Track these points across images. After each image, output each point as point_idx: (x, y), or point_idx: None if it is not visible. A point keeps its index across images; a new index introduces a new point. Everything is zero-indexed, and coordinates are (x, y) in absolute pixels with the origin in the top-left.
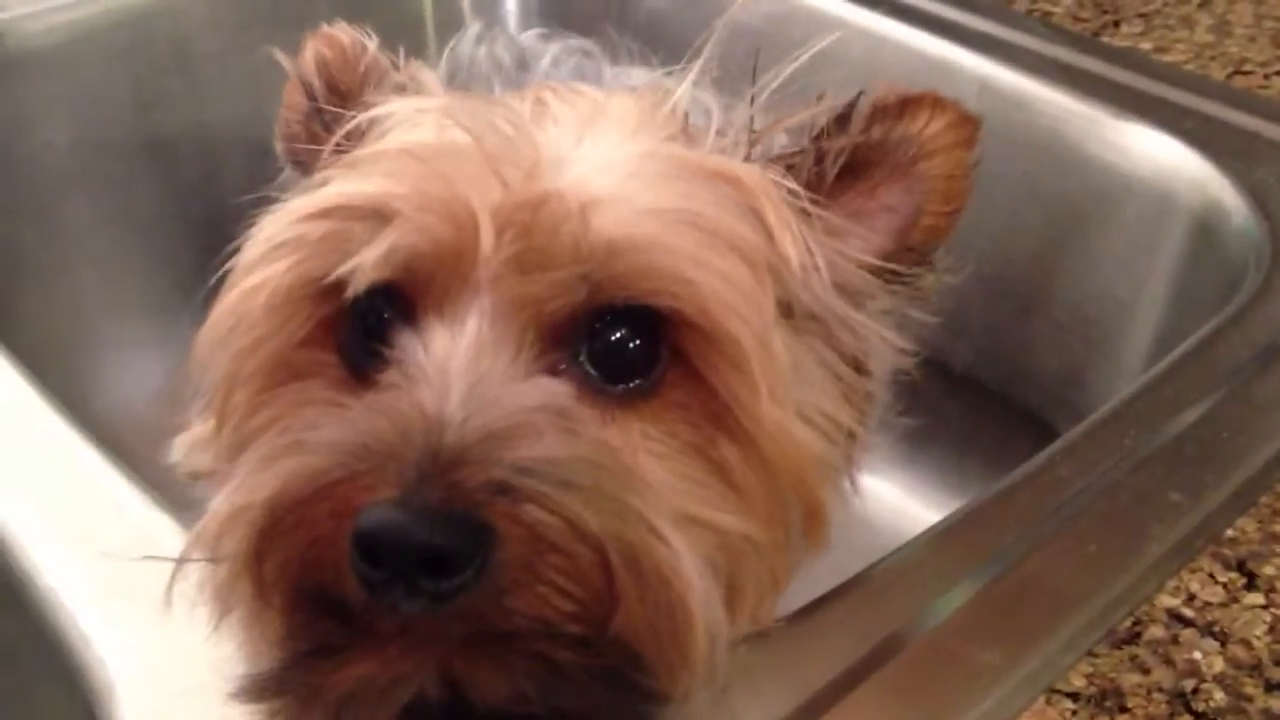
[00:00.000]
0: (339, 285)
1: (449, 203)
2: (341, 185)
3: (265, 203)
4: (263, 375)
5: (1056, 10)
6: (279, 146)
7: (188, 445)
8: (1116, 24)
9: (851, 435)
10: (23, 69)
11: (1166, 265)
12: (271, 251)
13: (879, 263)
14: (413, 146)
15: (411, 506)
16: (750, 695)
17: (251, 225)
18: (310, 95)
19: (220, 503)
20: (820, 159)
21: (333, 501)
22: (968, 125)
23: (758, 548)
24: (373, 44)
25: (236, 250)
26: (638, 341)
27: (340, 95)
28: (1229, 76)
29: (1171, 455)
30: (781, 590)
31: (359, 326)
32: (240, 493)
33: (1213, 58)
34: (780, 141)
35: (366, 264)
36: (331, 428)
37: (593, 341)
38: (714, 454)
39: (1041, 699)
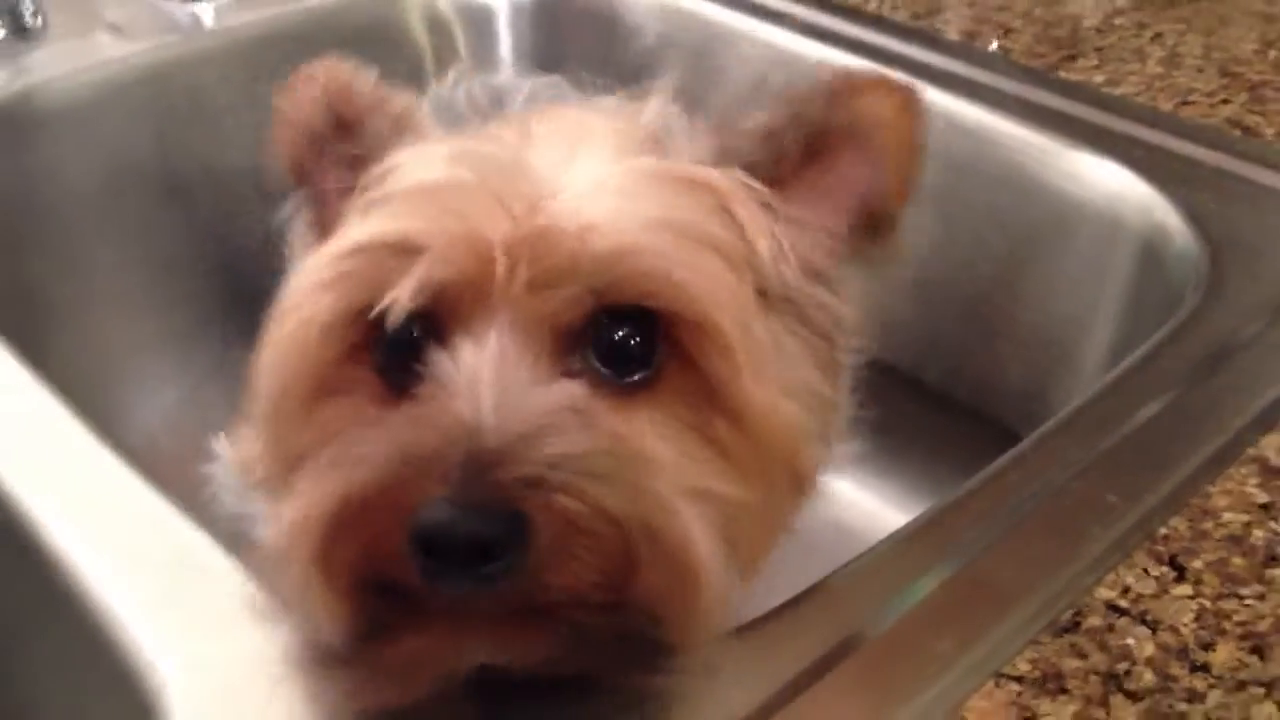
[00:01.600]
0: (372, 314)
1: (466, 237)
2: (372, 224)
3: (275, 246)
4: (308, 395)
5: (1016, 47)
6: (279, 165)
7: (241, 464)
8: (1073, 58)
9: (828, 402)
10: (51, 125)
11: (1117, 285)
12: (315, 287)
13: (844, 242)
14: (428, 186)
15: (459, 503)
16: (722, 689)
17: (263, 266)
18: (314, 121)
19: (286, 513)
20: (779, 156)
21: (388, 505)
22: (908, 95)
23: (751, 510)
24: (372, 76)
25: (252, 289)
26: (638, 339)
27: (343, 125)
28: (1177, 107)
29: (1112, 462)
30: (773, 546)
31: (393, 348)
32: (303, 503)
33: (1162, 89)
34: (741, 144)
35: (403, 297)
36: (380, 440)
37: (599, 343)
38: (710, 432)
39: (990, 682)
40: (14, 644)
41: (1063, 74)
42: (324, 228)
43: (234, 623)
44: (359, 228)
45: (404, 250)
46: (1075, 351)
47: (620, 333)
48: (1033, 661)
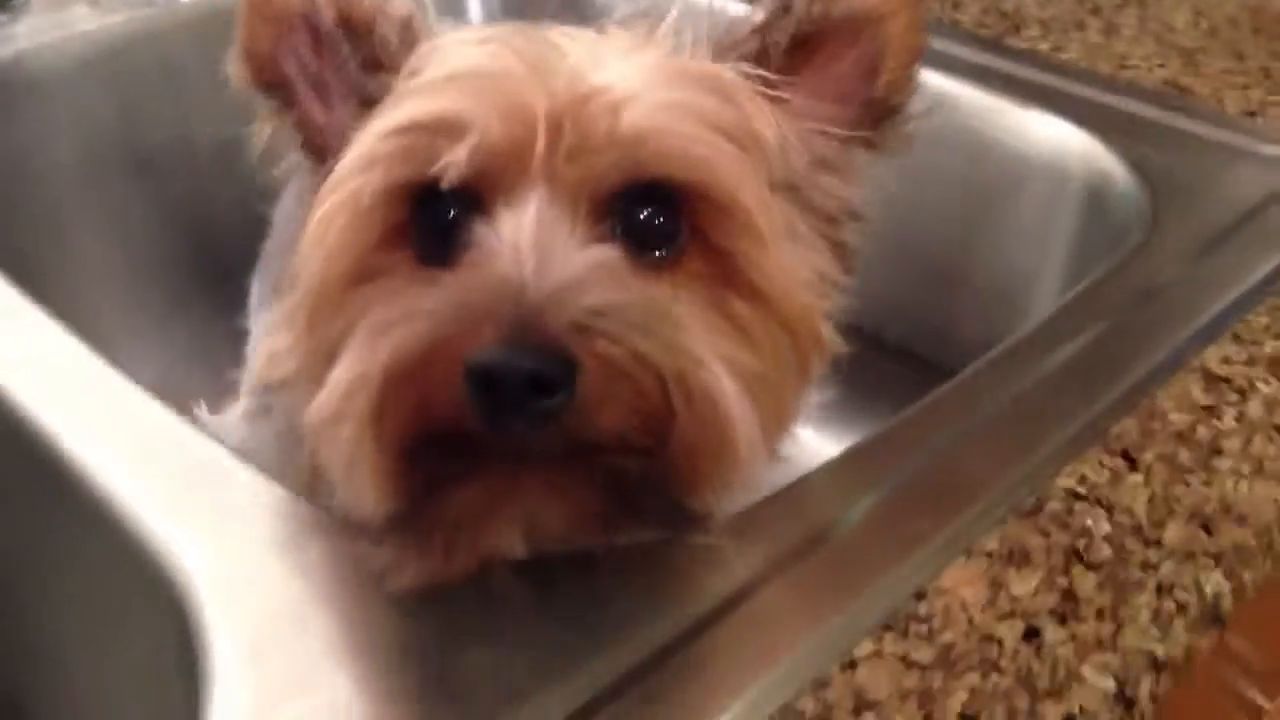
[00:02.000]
0: (413, 191)
1: (509, 110)
2: (416, 104)
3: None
4: (346, 278)
5: (964, 19)
6: (240, 71)
7: (267, 358)
8: (1017, 29)
9: (836, 284)
10: (33, 96)
11: (1064, 234)
12: (360, 165)
13: (847, 132)
14: (471, 69)
15: (514, 344)
16: (713, 567)
17: (238, 238)
18: (316, 23)
19: (339, 375)
20: (777, 51)
21: (443, 356)
22: None
23: (769, 383)
24: None
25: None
26: (663, 218)
27: (352, 30)
28: (1116, 70)
29: (1067, 372)
30: (790, 421)
31: (432, 227)
32: (357, 364)
33: (1102, 56)
34: (742, 42)
35: (460, 160)
36: (431, 299)
37: (628, 219)
38: (728, 309)
39: (963, 557)
40: (43, 559)
41: (1009, 43)
42: (315, 131)
43: (256, 518)
44: (402, 109)
45: (450, 126)
46: (1028, 301)
47: (647, 211)
48: (1000, 539)
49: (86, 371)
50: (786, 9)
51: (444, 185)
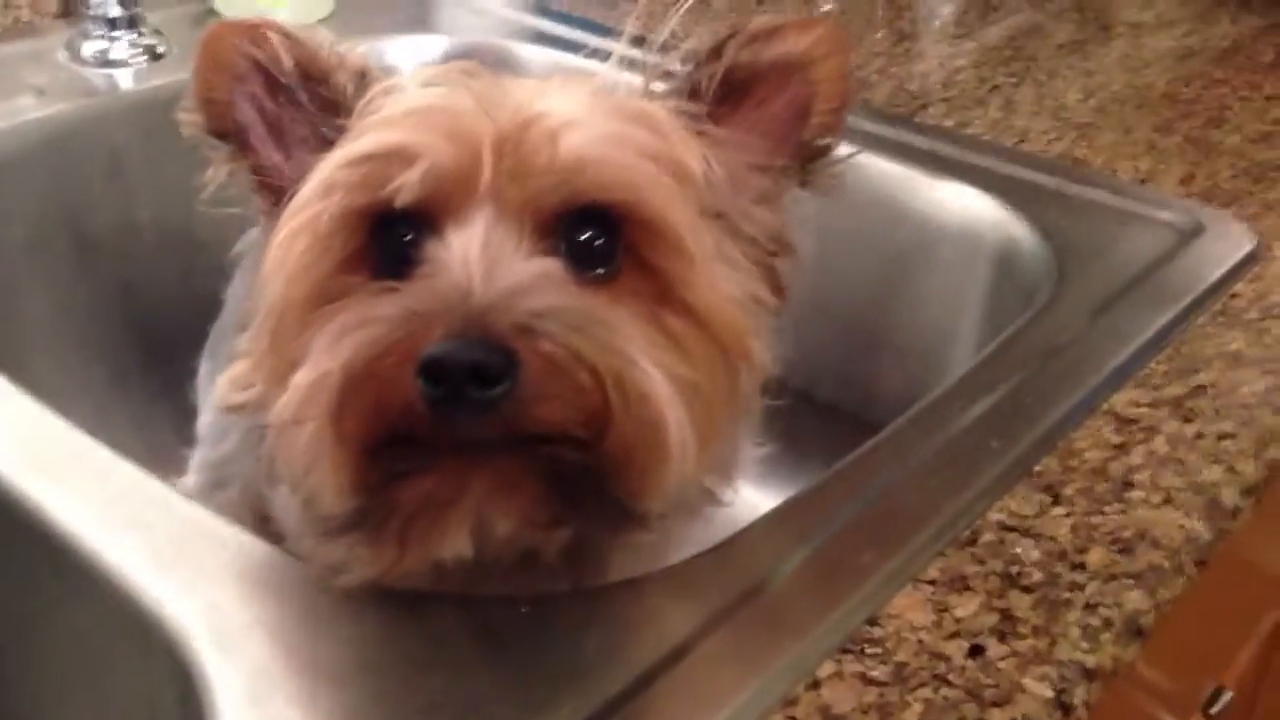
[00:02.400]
0: (370, 216)
1: (457, 138)
2: (372, 137)
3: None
4: (307, 301)
5: (876, 98)
6: (195, 119)
7: (228, 383)
8: (924, 107)
9: (764, 304)
10: None
11: (978, 294)
12: (319, 192)
13: (776, 162)
14: (424, 105)
15: (460, 338)
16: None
17: (178, 317)
18: (274, 73)
19: (300, 379)
20: (696, 87)
21: (397, 354)
22: (836, 37)
23: (700, 391)
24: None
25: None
26: (601, 239)
27: (309, 77)
28: (1017, 144)
29: (991, 418)
30: (719, 433)
31: (387, 246)
32: (316, 367)
33: (1004, 130)
34: (675, 84)
35: (412, 183)
36: (385, 307)
37: (568, 239)
38: (662, 324)
39: (909, 586)
40: (33, 626)
41: (918, 119)
42: (271, 174)
43: (244, 572)
44: (360, 141)
45: (403, 155)
46: (946, 356)
47: (586, 233)
48: (941, 569)
49: (62, 439)
50: (718, 53)
51: (398, 205)
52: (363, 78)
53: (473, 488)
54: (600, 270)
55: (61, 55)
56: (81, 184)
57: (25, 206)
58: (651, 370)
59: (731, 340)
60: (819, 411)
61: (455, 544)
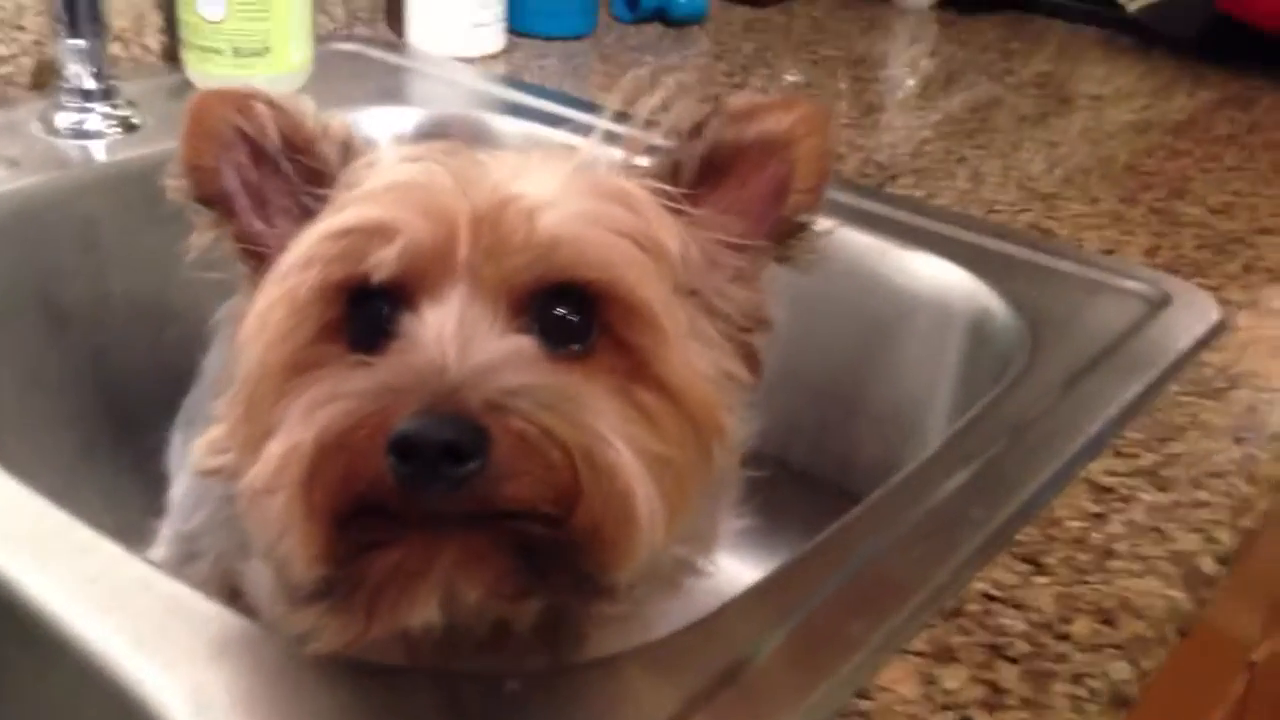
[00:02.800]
0: (347, 289)
1: (435, 215)
2: (352, 211)
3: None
4: (283, 369)
5: (845, 169)
6: (181, 185)
7: (204, 448)
8: (894, 178)
9: (736, 380)
10: None
11: (951, 362)
12: (299, 264)
13: (753, 240)
14: (403, 181)
15: (430, 415)
16: (656, 680)
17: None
18: (258, 143)
19: (272, 449)
20: (676, 167)
21: (368, 427)
22: (817, 116)
23: (672, 466)
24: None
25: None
26: (575, 316)
27: (293, 147)
28: (986, 214)
29: (972, 486)
30: (690, 505)
31: (364, 321)
32: (289, 437)
33: (972, 201)
34: (654, 162)
35: (390, 259)
36: (358, 380)
37: (543, 315)
38: (635, 399)
39: (896, 657)
40: (6, 701)
41: (888, 190)
42: (253, 241)
43: (226, 649)
44: (340, 216)
45: (381, 230)
46: (919, 424)
47: (561, 310)
48: (928, 640)
49: (39, 515)
50: (698, 132)
51: (375, 281)
52: (346, 148)
53: (440, 560)
54: (575, 346)
55: (35, 127)
56: (54, 255)
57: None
58: (621, 445)
59: (704, 415)
60: (795, 479)
61: (422, 615)
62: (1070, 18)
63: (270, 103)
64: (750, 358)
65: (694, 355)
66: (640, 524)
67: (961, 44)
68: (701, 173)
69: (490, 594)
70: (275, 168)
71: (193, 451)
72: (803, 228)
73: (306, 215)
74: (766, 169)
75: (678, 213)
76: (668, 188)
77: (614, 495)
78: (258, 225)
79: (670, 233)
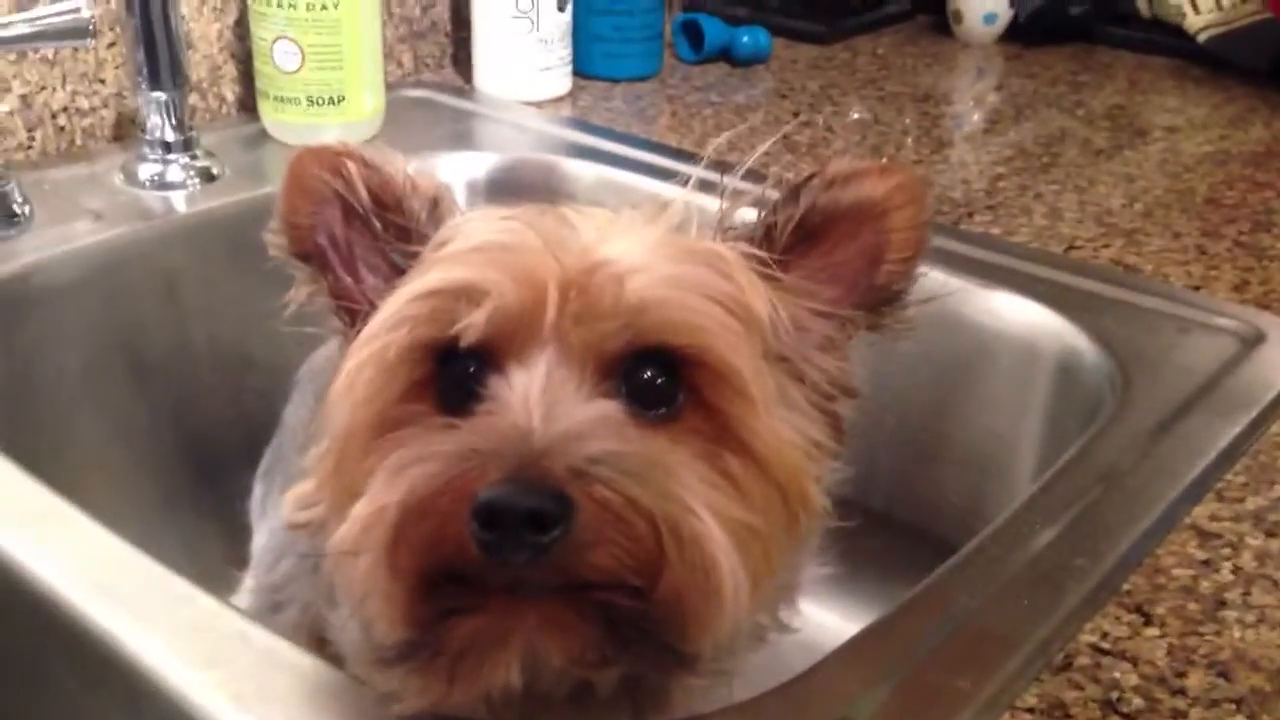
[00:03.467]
0: (436, 350)
1: (524, 279)
2: (441, 272)
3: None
4: (371, 428)
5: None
6: (280, 241)
7: (293, 501)
8: (970, 215)
9: (825, 449)
10: (39, 307)
11: (1038, 403)
12: (388, 324)
13: (843, 309)
14: (492, 242)
15: (515, 482)
16: None
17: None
18: (349, 200)
19: (359, 510)
20: (770, 231)
21: (453, 493)
22: (914, 185)
23: (758, 535)
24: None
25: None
26: (662, 380)
27: (382, 204)
28: (1065, 251)
29: (1074, 532)
30: (775, 574)
31: (451, 379)
32: (375, 500)
33: (1051, 237)
34: (746, 225)
35: (478, 323)
36: (444, 442)
37: (630, 380)
38: (721, 465)
39: (1007, 715)
40: None
41: (963, 228)
42: (345, 296)
43: (324, 706)
44: (429, 277)
45: (470, 292)
46: (1006, 467)
47: (648, 373)
48: (1038, 695)
49: (136, 568)
50: (795, 196)
51: (463, 344)
52: (435, 204)
53: (522, 628)
54: (661, 410)
55: (117, 178)
56: (137, 306)
57: (82, 330)
58: (706, 515)
59: (790, 484)
60: (875, 524)
61: (503, 680)
62: (1138, 48)
63: (362, 160)
64: (835, 426)
65: (782, 423)
66: (725, 596)
67: (1029, 77)
68: (795, 237)
69: (572, 662)
70: (364, 225)
71: (282, 504)
72: (896, 297)
73: (395, 272)
74: (860, 237)
75: (769, 278)
76: (759, 252)
77: (699, 567)
78: (348, 281)
79: (761, 298)
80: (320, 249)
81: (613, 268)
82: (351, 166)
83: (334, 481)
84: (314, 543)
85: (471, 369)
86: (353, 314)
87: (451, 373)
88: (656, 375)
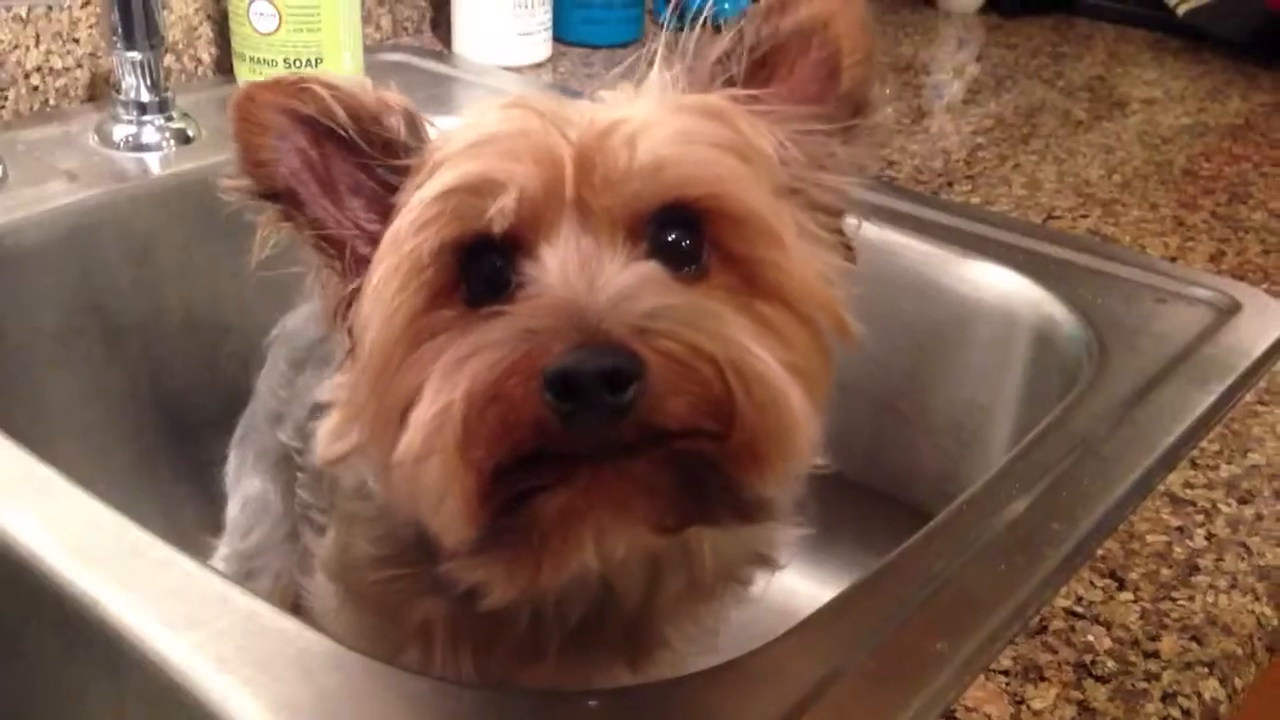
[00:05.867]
0: (461, 248)
1: (541, 159)
2: (455, 170)
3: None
4: (406, 340)
5: (899, 176)
6: (242, 184)
7: (326, 435)
8: (949, 185)
9: (843, 272)
10: (13, 266)
11: (1015, 371)
12: (411, 230)
13: (830, 126)
14: (499, 132)
15: (585, 349)
16: (747, 695)
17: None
18: (319, 125)
19: (420, 414)
20: (731, 77)
21: (520, 374)
22: None
23: (802, 372)
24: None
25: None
26: (688, 240)
27: (361, 122)
28: (1044, 220)
29: (1049, 500)
30: (822, 412)
31: (480, 275)
32: (436, 400)
33: (1029, 207)
34: (714, 69)
35: (508, 208)
36: (495, 332)
37: (656, 241)
38: (756, 313)
39: (982, 676)
40: None
41: (943, 197)
42: (327, 225)
43: (307, 668)
44: (443, 176)
45: (490, 185)
46: (982, 435)
47: (672, 234)
48: (1013, 659)
49: (112, 531)
50: (740, 35)
51: (496, 231)
52: (410, 117)
53: (605, 494)
54: (690, 268)
55: (91, 139)
56: (111, 269)
57: (56, 292)
58: (764, 355)
59: (823, 317)
60: (850, 490)
61: (591, 554)
62: (1118, 20)
63: (328, 84)
64: (846, 245)
65: (807, 257)
66: (796, 429)
67: (1009, 48)
68: (753, 72)
69: (654, 525)
70: (339, 146)
71: (317, 442)
72: (864, 104)
73: (383, 187)
74: (811, 51)
75: (758, 115)
76: (746, 91)
77: (768, 403)
78: (330, 209)
79: (764, 137)
80: (288, 184)
81: (621, 133)
82: (318, 89)
83: (373, 403)
84: (282, 506)
85: (498, 262)
86: (337, 243)
87: (480, 268)
88: (681, 235)
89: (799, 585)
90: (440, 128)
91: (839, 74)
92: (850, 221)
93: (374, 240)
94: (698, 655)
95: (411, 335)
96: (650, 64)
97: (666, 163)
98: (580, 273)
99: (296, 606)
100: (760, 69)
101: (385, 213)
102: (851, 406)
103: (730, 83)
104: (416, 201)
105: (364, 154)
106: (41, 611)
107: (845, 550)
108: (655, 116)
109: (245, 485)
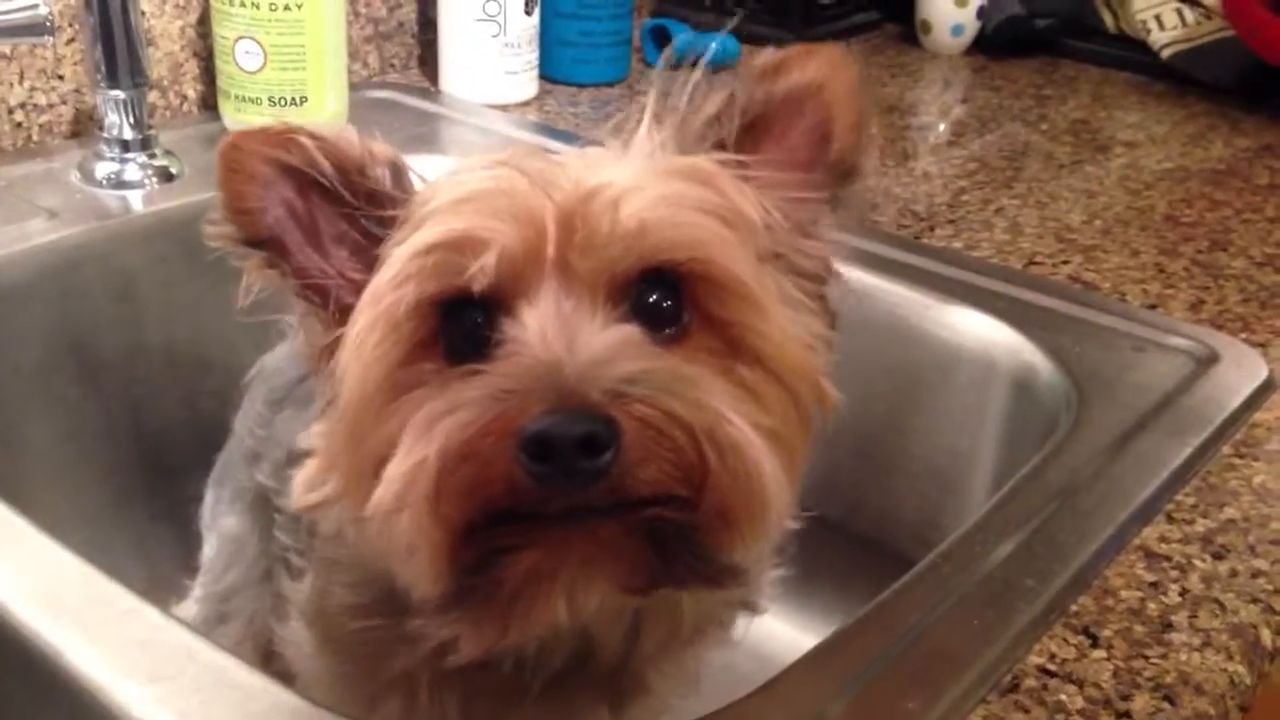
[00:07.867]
0: (441, 304)
1: (523, 219)
2: (435, 227)
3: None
4: (384, 392)
5: (883, 219)
6: (226, 231)
7: (302, 484)
8: (932, 229)
9: (825, 340)
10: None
11: (995, 418)
12: (393, 283)
13: (814, 194)
14: (482, 190)
15: (562, 412)
16: None
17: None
18: (305, 175)
19: (394, 469)
20: (722, 140)
21: (495, 433)
22: (838, 57)
23: (781, 440)
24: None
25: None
26: (669, 301)
27: (347, 173)
28: (1025, 266)
29: (1025, 553)
30: (799, 479)
31: (459, 331)
32: (410, 455)
33: (1010, 252)
34: (703, 132)
35: (488, 266)
36: (473, 390)
37: (637, 303)
38: (736, 377)
39: None
40: None
41: (925, 242)
42: (312, 274)
43: None
44: (427, 231)
45: (472, 243)
46: (962, 480)
47: (654, 296)
48: (984, 717)
49: (83, 582)
50: (733, 98)
51: (475, 290)
52: (396, 169)
53: (575, 556)
54: (670, 330)
55: (74, 176)
56: (92, 306)
57: (36, 330)
58: (740, 422)
59: (803, 383)
60: (831, 533)
61: (559, 615)
62: (1103, 63)
63: (313, 134)
64: (827, 313)
65: (787, 323)
66: (768, 498)
67: (994, 89)
68: (744, 135)
69: (622, 587)
70: (324, 197)
71: (292, 489)
72: (852, 171)
73: (367, 237)
74: (804, 117)
75: (747, 179)
76: (733, 156)
77: (740, 472)
78: (315, 258)
79: (749, 202)
80: (273, 233)
81: (605, 196)
82: (304, 140)
83: (348, 454)
84: (328, 521)
85: (479, 319)
86: (322, 291)
87: (459, 324)
88: (662, 297)
89: (778, 629)
90: (426, 179)
91: (830, 140)
92: (832, 288)
93: (358, 289)
94: (679, 699)
95: (389, 388)
96: (640, 119)
97: (650, 227)
98: (559, 334)
99: (269, 653)
100: (751, 131)
101: (370, 263)
102: (833, 449)
103: (720, 145)
104: (398, 256)
105: (349, 204)
106: (7, 660)
107: (825, 594)
108: (641, 180)
109: (221, 525)
